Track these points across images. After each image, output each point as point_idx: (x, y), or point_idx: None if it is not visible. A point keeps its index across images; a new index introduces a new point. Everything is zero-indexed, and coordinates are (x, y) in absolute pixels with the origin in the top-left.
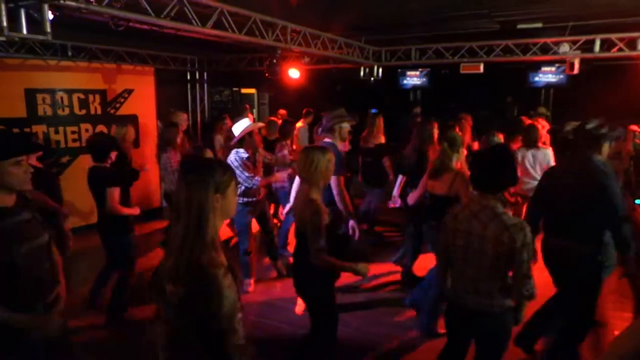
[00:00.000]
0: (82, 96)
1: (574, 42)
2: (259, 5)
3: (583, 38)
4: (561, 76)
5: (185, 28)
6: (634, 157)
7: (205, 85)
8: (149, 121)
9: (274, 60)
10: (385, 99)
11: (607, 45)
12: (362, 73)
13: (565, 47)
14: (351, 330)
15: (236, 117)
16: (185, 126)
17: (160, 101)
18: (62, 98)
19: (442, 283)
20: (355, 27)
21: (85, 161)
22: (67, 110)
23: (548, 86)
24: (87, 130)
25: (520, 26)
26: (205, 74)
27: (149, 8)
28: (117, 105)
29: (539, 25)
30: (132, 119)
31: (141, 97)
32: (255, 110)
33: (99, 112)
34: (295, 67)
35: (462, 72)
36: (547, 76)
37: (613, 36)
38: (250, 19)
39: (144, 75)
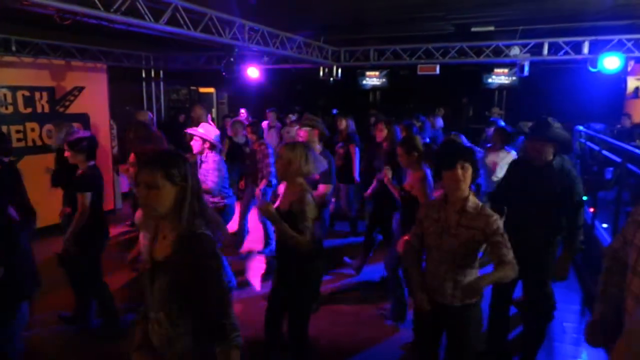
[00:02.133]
0: (27, 93)
1: (524, 46)
2: (216, 3)
3: (532, 41)
4: (513, 78)
5: (137, 24)
6: (580, 155)
7: (162, 83)
8: (101, 120)
9: (232, 59)
10: (345, 99)
11: (554, 48)
12: (321, 73)
13: (515, 50)
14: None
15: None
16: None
17: (113, 99)
18: (4, 95)
19: None
20: (314, 27)
21: (31, 162)
22: (10, 109)
23: (501, 87)
24: (33, 130)
25: (474, 29)
26: (161, 72)
27: (97, 2)
28: (67, 103)
29: (492, 28)
30: (83, 118)
31: (93, 95)
32: (214, 110)
33: (46, 110)
34: (254, 66)
35: (419, 73)
36: (500, 78)
37: (560, 40)
38: (206, 16)
39: (95, 72)
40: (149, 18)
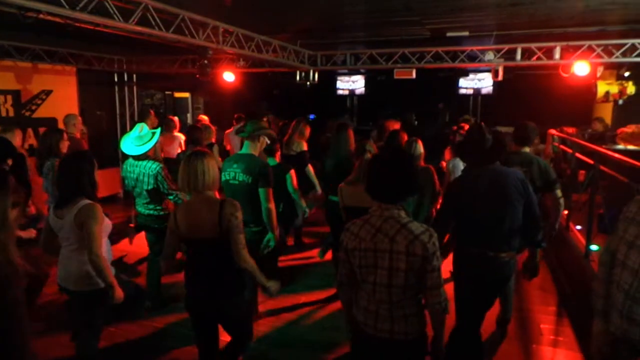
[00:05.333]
0: None
1: (498, 51)
2: (189, 3)
3: (506, 47)
4: (489, 83)
5: (105, 23)
6: (553, 159)
7: (135, 87)
8: None
9: (206, 62)
10: (322, 104)
11: (527, 54)
12: (298, 77)
13: (490, 55)
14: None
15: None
16: None
17: (84, 104)
18: None
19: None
20: (291, 30)
21: None
22: None
23: (477, 92)
24: None
25: (449, 34)
26: (134, 75)
27: (62, 0)
28: (34, 107)
29: (466, 33)
30: (52, 122)
31: (61, 98)
32: (189, 115)
33: (11, 114)
34: (230, 70)
35: (395, 77)
36: (476, 82)
37: (533, 45)
38: (178, 16)
39: (64, 75)
40: (118, 18)
